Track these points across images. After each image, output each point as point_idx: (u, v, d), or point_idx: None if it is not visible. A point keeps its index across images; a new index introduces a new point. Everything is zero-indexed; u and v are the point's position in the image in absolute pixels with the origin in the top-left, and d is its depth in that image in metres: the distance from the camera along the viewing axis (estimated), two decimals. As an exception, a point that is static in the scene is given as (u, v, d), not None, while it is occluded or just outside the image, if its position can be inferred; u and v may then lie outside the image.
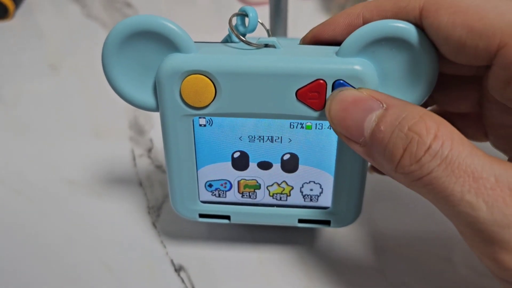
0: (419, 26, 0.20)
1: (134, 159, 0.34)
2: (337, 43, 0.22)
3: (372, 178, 0.30)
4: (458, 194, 0.16)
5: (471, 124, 0.24)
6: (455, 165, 0.16)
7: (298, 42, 0.24)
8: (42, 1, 0.55)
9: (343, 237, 0.28)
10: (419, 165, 0.17)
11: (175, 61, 0.21)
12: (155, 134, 0.36)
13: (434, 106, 0.26)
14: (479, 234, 0.16)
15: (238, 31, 0.22)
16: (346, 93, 0.19)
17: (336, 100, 0.19)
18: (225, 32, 0.23)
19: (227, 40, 0.23)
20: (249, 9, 0.22)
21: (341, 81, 0.20)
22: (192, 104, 0.21)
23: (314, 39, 0.23)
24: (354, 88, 0.20)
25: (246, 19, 0.22)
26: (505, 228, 0.15)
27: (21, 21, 0.52)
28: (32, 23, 0.52)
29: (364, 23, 0.21)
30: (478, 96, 0.23)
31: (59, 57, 0.46)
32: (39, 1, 0.55)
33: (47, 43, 0.48)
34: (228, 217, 0.25)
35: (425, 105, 0.24)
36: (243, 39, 0.21)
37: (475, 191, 0.16)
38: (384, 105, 0.18)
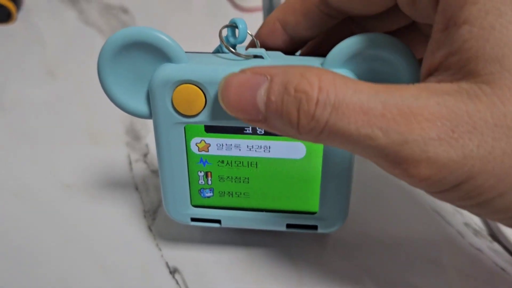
0: (324, 4, 0.22)
1: (130, 163, 0.35)
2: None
3: (358, 180, 0.31)
4: (355, 132, 0.17)
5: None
6: (344, 107, 0.17)
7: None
8: (39, 6, 0.56)
9: (332, 240, 0.29)
10: (315, 120, 0.17)
11: (167, 71, 0.22)
12: (151, 139, 0.37)
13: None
14: (387, 160, 0.17)
15: (229, 42, 0.23)
16: (230, 79, 0.19)
17: (224, 88, 0.19)
18: (218, 37, 0.24)
19: (218, 51, 0.24)
20: (239, 21, 0.23)
21: None
22: (183, 112, 0.22)
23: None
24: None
25: (237, 30, 0.23)
26: (403, 144, 0.16)
27: (21, 26, 0.52)
28: (31, 28, 0.52)
29: (282, 25, 0.23)
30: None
31: (57, 63, 0.46)
32: (36, 6, 0.56)
33: (45, 48, 0.49)
34: (219, 221, 0.26)
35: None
36: (232, 50, 0.22)
37: (367, 123, 0.16)
38: (269, 77, 0.18)
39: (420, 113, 0.16)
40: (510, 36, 0.16)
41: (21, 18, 0.53)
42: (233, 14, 0.54)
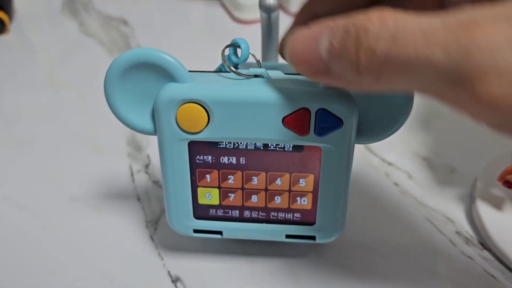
0: None
1: (132, 175, 0.36)
2: None
3: (353, 191, 0.32)
4: (414, 56, 0.15)
5: None
6: (402, 34, 0.15)
7: (286, 68, 0.25)
8: (40, 18, 0.56)
9: (329, 250, 0.30)
10: (375, 53, 0.16)
11: (171, 91, 0.23)
12: (152, 150, 0.38)
13: None
14: (450, 81, 0.15)
15: (231, 61, 0.24)
16: (297, 34, 0.19)
17: (290, 44, 0.19)
18: (217, 49, 0.25)
19: (220, 69, 0.25)
20: (241, 40, 0.24)
21: (324, 109, 0.22)
22: (187, 130, 0.23)
23: None
24: None
25: (239, 50, 0.24)
26: (466, 57, 0.14)
27: (16, 37, 0.53)
28: (32, 39, 0.53)
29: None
30: None
31: (58, 74, 0.47)
32: (37, 18, 0.56)
33: (46, 59, 0.50)
34: (220, 233, 0.27)
35: None
36: (234, 70, 0.23)
37: (426, 44, 0.15)
38: (332, 25, 0.18)
39: (483, 19, 0.14)
40: None
41: (22, 29, 0.54)
42: (231, 26, 0.55)
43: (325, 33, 0.18)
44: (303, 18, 0.23)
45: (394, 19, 0.16)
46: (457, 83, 0.15)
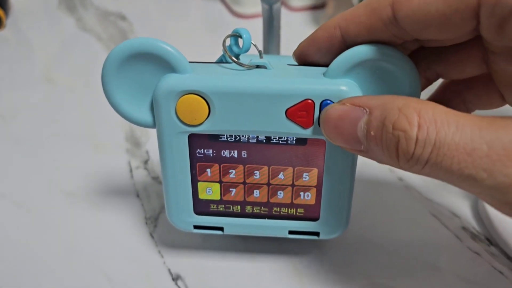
0: (394, 24, 0.20)
1: (131, 171, 0.35)
2: (323, 58, 0.23)
3: (358, 186, 0.31)
4: (458, 172, 0.16)
5: (483, 91, 0.23)
6: (445, 148, 0.16)
7: (289, 60, 0.25)
8: (36, 14, 0.56)
9: (333, 246, 0.29)
10: (414, 159, 0.17)
11: (171, 82, 0.22)
12: (151, 146, 0.37)
13: (442, 83, 0.25)
14: (494, 199, 0.17)
15: (232, 51, 0.23)
16: (331, 112, 0.20)
17: (325, 121, 0.21)
18: (216, 44, 0.24)
19: (221, 60, 0.24)
20: (242, 30, 0.23)
21: (328, 101, 0.21)
22: (187, 122, 0.23)
23: (303, 56, 0.24)
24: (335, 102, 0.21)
25: (240, 40, 0.23)
26: (509, 187, 0.16)
27: (12, 32, 0.52)
28: (23, 34, 0.53)
29: (342, 33, 0.22)
30: (480, 53, 0.22)
31: (55, 70, 0.47)
32: (34, 14, 0.56)
33: (43, 55, 0.49)
34: (221, 229, 0.26)
35: (428, 81, 0.24)
36: (236, 60, 0.23)
37: (472, 164, 0.16)
38: (367, 110, 0.19)
39: None
40: None
41: (19, 25, 0.53)
42: (230, 21, 0.54)
43: (361, 116, 0.19)
44: (325, 34, 0.22)
45: (435, 128, 0.17)
46: (499, 202, 0.17)
